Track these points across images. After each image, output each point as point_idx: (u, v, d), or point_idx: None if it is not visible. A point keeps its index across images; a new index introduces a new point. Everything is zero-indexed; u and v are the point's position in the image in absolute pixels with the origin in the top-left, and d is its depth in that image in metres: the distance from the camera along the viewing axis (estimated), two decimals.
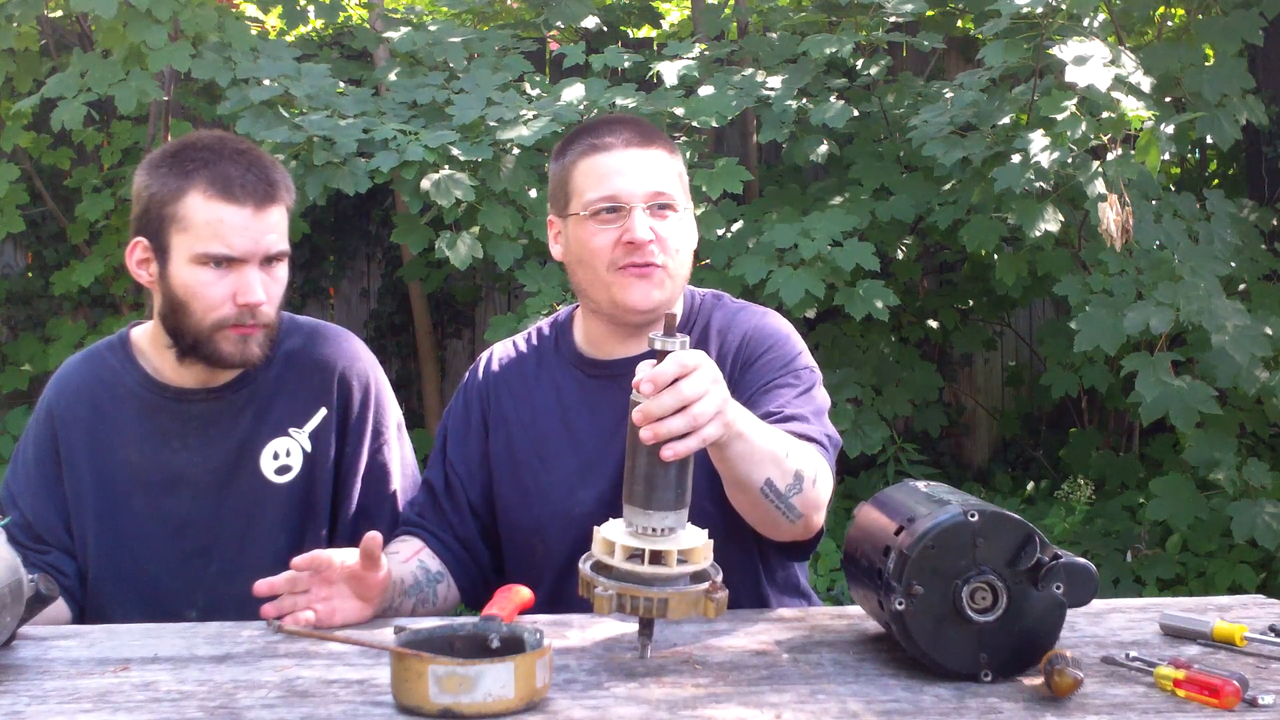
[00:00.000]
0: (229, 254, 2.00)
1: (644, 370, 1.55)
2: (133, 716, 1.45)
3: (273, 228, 2.03)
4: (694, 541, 1.59)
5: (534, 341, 2.18)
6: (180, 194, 2.01)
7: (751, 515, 1.85)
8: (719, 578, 1.62)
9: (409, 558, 2.02)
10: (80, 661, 1.66)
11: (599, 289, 2.01)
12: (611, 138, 2.01)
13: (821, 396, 2.02)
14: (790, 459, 1.78)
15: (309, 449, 2.13)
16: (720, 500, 1.88)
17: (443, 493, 2.12)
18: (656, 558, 1.57)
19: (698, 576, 1.60)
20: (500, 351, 2.19)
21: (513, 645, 1.54)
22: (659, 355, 1.56)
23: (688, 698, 1.49)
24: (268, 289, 2.03)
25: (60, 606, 2.03)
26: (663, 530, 1.57)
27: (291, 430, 2.13)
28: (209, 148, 2.04)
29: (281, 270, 2.08)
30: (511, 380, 2.14)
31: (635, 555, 1.57)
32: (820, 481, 1.84)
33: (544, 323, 2.21)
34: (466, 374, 2.21)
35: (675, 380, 1.53)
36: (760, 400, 1.95)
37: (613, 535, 1.59)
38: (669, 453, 1.53)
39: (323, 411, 2.15)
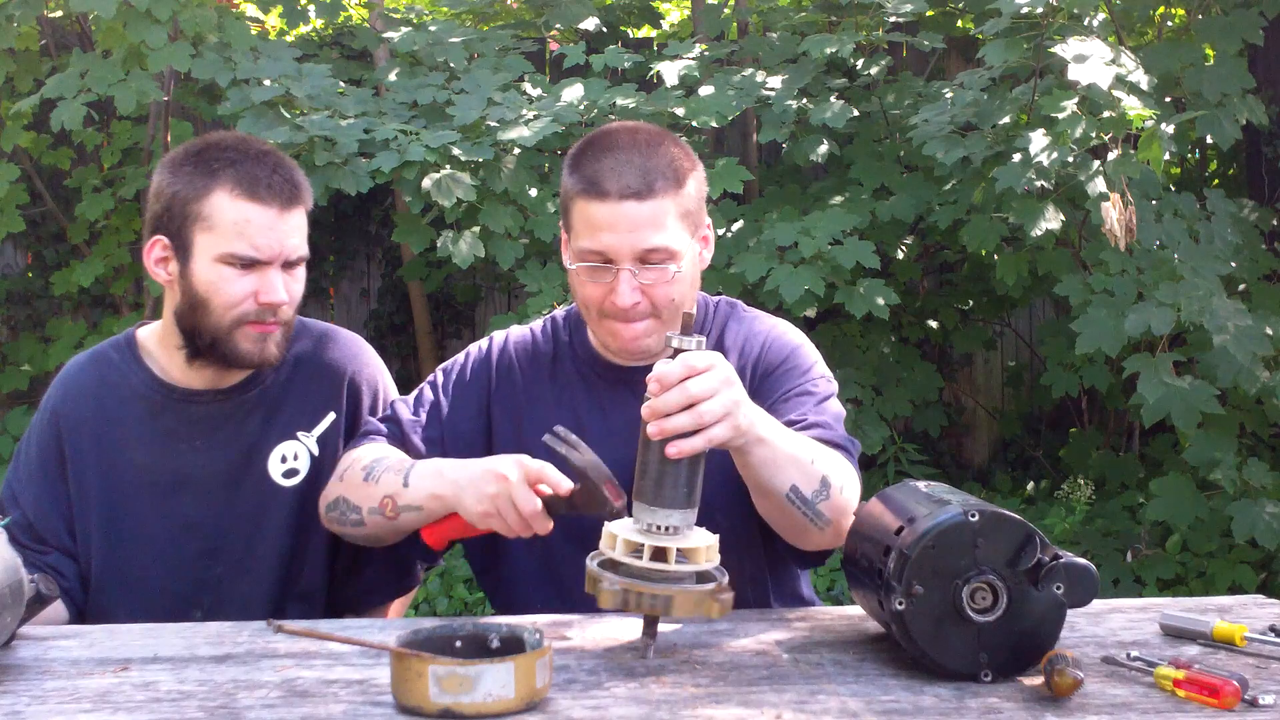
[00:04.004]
0: (255, 256, 2.00)
1: (659, 368, 1.58)
2: (133, 716, 1.45)
3: (295, 230, 2.04)
4: (700, 541, 1.60)
5: (549, 333, 2.14)
6: (206, 192, 2.00)
7: (780, 523, 1.84)
8: (725, 580, 1.62)
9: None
10: (80, 661, 1.66)
11: (592, 326, 2.04)
12: (611, 182, 1.91)
13: (838, 406, 2.03)
14: (816, 464, 1.78)
15: (316, 453, 2.13)
16: (732, 512, 1.88)
17: (410, 419, 2.07)
18: (661, 554, 1.57)
19: (703, 577, 1.61)
20: (516, 335, 2.15)
21: (513, 645, 1.54)
22: (675, 353, 1.59)
23: (688, 698, 1.49)
24: (289, 288, 2.04)
25: (58, 608, 2.03)
26: (669, 528, 1.58)
27: (300, 434, 2.13)
28: (234, 148, 2.04)
29: (301, 272, 2.08)
30: (525, 367, 2.11)
31: (640, 551, 1.58)
32: (848, 488, 1.83)
33: (559, 314, 2.18)
34: (481, 345, 2.15)
35: (684, 379, 1.56)
36: (781, 408, 1.95)
37: (620, 531, 1.60)
38: (673, 450, 1.56)
39: (331, 416, 2.14)
